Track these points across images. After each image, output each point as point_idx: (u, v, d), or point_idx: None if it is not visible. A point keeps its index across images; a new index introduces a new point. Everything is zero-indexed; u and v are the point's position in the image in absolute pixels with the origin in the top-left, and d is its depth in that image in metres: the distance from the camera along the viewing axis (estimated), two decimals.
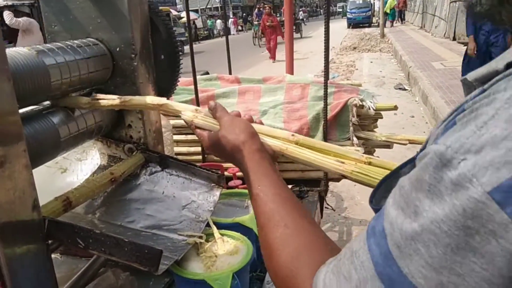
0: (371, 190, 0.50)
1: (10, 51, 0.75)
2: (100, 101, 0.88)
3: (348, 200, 3.83)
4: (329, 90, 1.44)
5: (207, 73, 3.22)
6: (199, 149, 1.56)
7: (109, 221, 0.93)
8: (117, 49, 0.98)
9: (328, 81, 1.43)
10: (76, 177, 0.97)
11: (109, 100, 0.88)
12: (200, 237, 0.91)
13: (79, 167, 0.98)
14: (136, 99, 0.87)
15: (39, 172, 0.83)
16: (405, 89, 8.12)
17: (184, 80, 1.65)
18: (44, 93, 0.81)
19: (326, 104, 1.37)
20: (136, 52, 0.98)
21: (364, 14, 22.07)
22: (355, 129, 1.46)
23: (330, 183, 1.56)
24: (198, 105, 1.51)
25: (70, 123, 0.89)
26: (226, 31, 1.95)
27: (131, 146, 1.05)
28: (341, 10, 35.91)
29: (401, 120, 6.11)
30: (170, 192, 1.01)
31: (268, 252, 0.50)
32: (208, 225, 0.97)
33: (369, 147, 1.51)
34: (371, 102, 1.47)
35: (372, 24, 22.57)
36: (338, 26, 23.53)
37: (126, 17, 0.96)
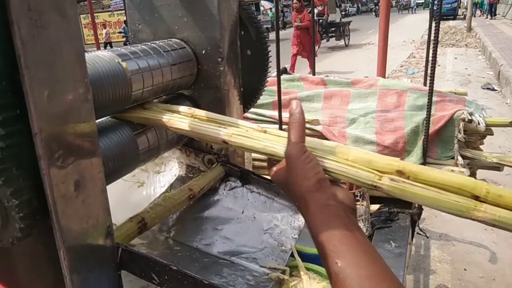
0: None
1: (91, 56, 0.68)
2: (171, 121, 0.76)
3: (426, 209, 3.53)
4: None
5: (285, 69, 3.09)
6: None
7: (184, 242, 0.84)
8: (203, 52, 0.89)
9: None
10: (154, 190, 0.90)
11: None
12: (284, 272, 0.79)
13: (157, 179, 0.91)
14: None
15: (114, 186, 0.76)
16: (494, 90, 7.45)
17: None
18: (124, 102, 0.73)
19: (429, 116, 1.18)
20: (223, 55, 0.88)
21: (449, 5, 20.57)
22: (460, 147, 1.26)
23: None
24: (280, 109, 1.39)
25: (149, 133, 0.81)
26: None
27: (211, 157, 0.96)
28: (422, 1, 33.52)
29: None
30: (251, 212, 0.91)
31: None
32: (292, 254, 0.85)
33: (475, 168, 1.31)
34: (480, 116, 1.26)
35: (458, 17, 21.04)
36: (420, 18, 22.22)
37: (215, 16, 0.86)
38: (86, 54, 0.64)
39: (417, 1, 34.72)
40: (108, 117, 0.76)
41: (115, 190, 0.77)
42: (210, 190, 0.93)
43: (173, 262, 0.70)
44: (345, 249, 0.46)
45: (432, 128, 1.24)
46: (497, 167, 1.26)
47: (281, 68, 3.20)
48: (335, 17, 13.33)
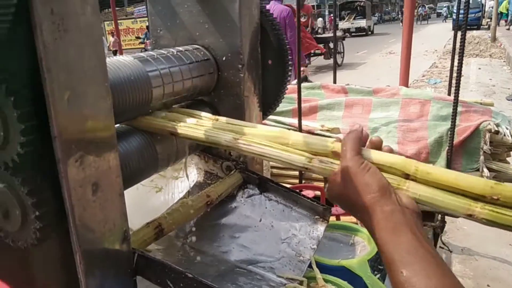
0: None
1: (113, 60, 0.68)
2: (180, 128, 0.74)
3: (448, 223, 3.44)
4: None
5: (306, 78, 3.09)
6: None
7: (201, 249, 0.83)
8: (223, 58, 0.89)
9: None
10: (172, 195, 0.90)
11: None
12: (301, 283, 0.78)
13: (175, 185, 0.91)
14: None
15: (132, 191, 0.76)
16: None
17: None
18: (144, 107, 0.73)
19: (454, 126, 1.15)
20: (244, 62, 0.87)
21: (473, 15, 20.23)
22: (486, 159, 1.22)
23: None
24: (300, 116, 1.38)
25: (168, 138, 0.81)
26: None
27: (230, 164, 0.95)
28: (444, 11, 33.00)
29: None
30: (268, 220, 0.90)
31: None
32: (309, 265, 0.83)
33: (501, 180, 1.26)
34: (507, 128, 1.22)
35: (482, 27, 20.68)
36: (442, 28, 21.96)
37: (236, 23, 0.85)
38: (108, 59, 0.64)
39: (438, 10, 34.47)
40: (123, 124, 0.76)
41: (132, 194, 0.76)
42: (228, 197, 0.92)
43: (189, 269, 0.70)
44: (413, 259, 0.45)
45: (457, 139, 1.20)
46: None
47: (302, 76, 3.20)
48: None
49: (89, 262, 0.55)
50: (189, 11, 0.89)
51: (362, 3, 20.61)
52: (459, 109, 1.29)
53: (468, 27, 20.16)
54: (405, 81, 2.20)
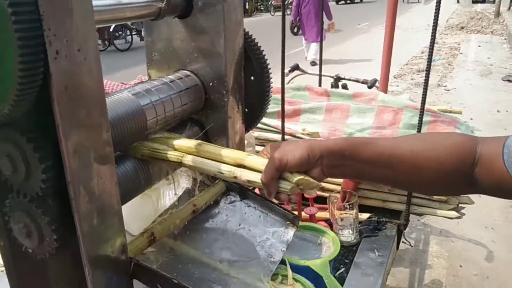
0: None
1: (112, 98, 0.81)
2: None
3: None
4: (424, 119, 1.35)
5: (297, 66, 3.16)
6: None
7: (188, 250, 0.98)
8: (210, 84, 1.01)
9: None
10: (163, 201, 1.04)
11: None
12: (275, 278, 0.93)
13: (167, 192, 1.05)
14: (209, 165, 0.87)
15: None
16: None
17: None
18: (139, 135, 0.86)
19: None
20: (228, 88, 1.00)
21: None
22: None
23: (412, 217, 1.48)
24: (283, 119, 1.50)
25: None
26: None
27: None
28: None
29: (505, 119, 5.55)
30: (247, 225, 1.04)
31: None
32: (284, 263, 0.99)
33: None
34: None
35: (487, 0, 20.34)
36: (446, 0, 21.53)
37: (221, 54, 0.97)
38: (107, 99, 0.77)
39: None
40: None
41: (128, 203, 0.90)
42: (213, 202, 1.07)
43: (176, 268, 0.85)
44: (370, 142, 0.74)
45: None
46: None
47: (294, 64, 3.25)
48: None
49: (95, 270, 0.70)
50: (180, 41, 1.01)
51: None
52: (428, 118, 1.42)
53: (474, 1, 19.75)
54: (386, 72, 2.24)
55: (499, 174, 0.61)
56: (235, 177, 0.81)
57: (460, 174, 0.66)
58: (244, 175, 0.79)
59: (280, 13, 1.58)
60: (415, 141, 0.71)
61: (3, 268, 0.79)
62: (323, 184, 1.50)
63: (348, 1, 24.69)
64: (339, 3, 24.84)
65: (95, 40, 0.61)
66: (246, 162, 0.80)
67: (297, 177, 0.71)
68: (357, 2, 24.86)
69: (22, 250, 0.70)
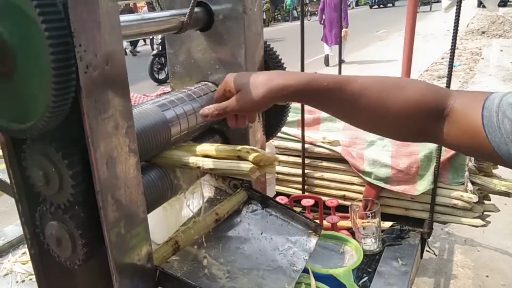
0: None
1: (138, 110, 0.83)
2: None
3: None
4: None
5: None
6: (299, 171, 1.57)
7: (211, 258, 0.99)
8: None
9: None
10: (186, 210, 1.05)
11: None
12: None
13: (190, 201, 1.06)
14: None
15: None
16: None
17: None
18: (164, 145, 0.88)
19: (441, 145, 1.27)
20: None
21: None
22: (471, 172, 1.34)
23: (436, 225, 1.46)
24: (303, 128, 1.51)
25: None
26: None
27: (236, 182, 1.10)
28: None
29: None
30: (269, 233, 1.05)
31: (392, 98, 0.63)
32: (307, 271, 0.99)
33: (485, 192, 1.38)
34: None
35: (508, 4, 19.97)
36: (466, 3, 21.24)
37: (242, 65, 0.99)
38: (134, 110, 0.79)
39: None
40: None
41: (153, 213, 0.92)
42: (235, 211, 1.08)
43: (199, 277, 0.86)
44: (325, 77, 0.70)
45: (445, 156, 1.32)
46: (507, 194, 1.33)
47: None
48: None
49: (122, 278, 0.71)
50: (202, 53, 1.03)
51: None
52: None
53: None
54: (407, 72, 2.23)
55: (473, 136, 0.56)
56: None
57: (422, 125, 0.62)
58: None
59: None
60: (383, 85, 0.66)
61: (33, 276, 0.81)
62: (344, 193, 1.50)
63: (381, 5, 25.16)
64: (373, 7, 25.31)
65: (122, 54, 0.64)
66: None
67: (253, 155, 0.74)
68: (389, 6, 25.10)
69: (53, 259, 0.73)
